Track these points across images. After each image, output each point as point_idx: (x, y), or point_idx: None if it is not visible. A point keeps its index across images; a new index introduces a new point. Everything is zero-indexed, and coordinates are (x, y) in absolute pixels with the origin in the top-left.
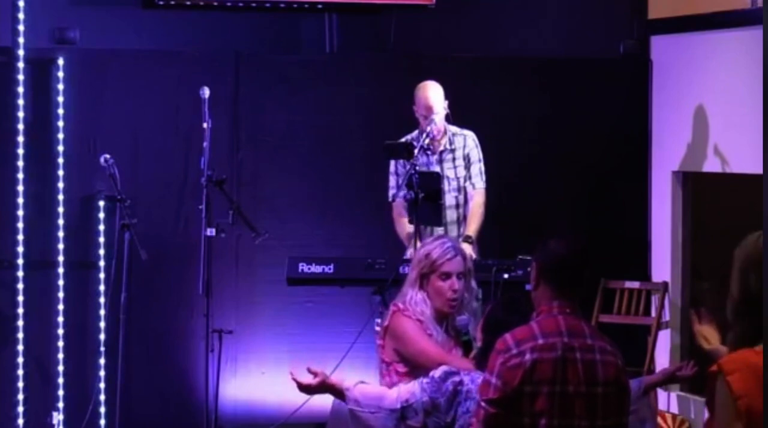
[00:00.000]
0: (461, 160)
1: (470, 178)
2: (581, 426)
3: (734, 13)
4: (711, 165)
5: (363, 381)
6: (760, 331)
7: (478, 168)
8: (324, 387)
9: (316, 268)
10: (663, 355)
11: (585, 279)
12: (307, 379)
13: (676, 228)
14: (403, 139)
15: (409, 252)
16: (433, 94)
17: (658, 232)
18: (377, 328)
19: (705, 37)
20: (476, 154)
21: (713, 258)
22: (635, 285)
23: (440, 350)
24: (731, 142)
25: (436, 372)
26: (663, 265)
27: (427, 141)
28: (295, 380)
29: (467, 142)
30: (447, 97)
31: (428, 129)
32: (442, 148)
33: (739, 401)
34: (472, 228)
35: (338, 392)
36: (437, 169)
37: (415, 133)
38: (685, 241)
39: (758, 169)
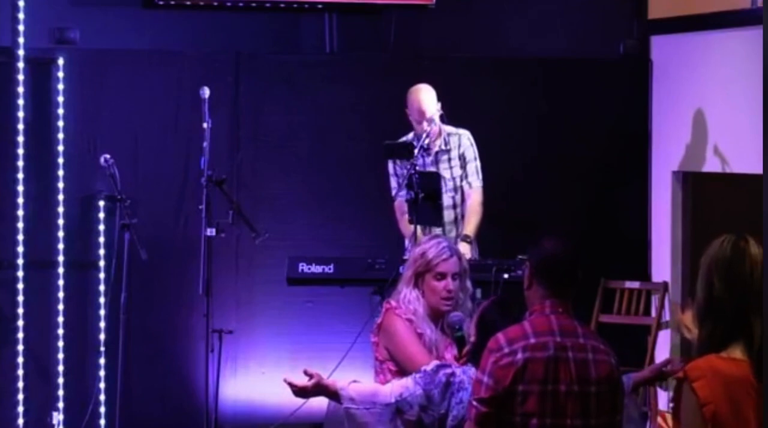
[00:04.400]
0: (457, 159)
1: (466, 176)
2: (574, 425)
3: (734, 13)
4: (711, 165)
5: (356, 380)
6: (724, 336)
7: (474, 166)
8: (319, 389)
9: (316, 268)
10: (663, 355)
11: (578, 279)
12: (302, 382)
13: (676, 228)
14: (399, 142)
15: (408, 252)
16: (425, 98)
17: (658, 232)
18: None
19: (705, 37)
20: (471, 152)
21: None
22: (635, 285)
23: (428, 357)
24: (731, 142)
25: (428, 366)
26: (663, 265)
27: (427, 141)
28: (289, 384)
29: (462, 140)
30: (447, 97)
31: (428, 129)
32: (437, 148)
33: (705, 408)
34: (471, 227)
35: (333, 393)
36: (432, 169)
37: (411, 134)
38: (685, 241)
39: (758, 169)
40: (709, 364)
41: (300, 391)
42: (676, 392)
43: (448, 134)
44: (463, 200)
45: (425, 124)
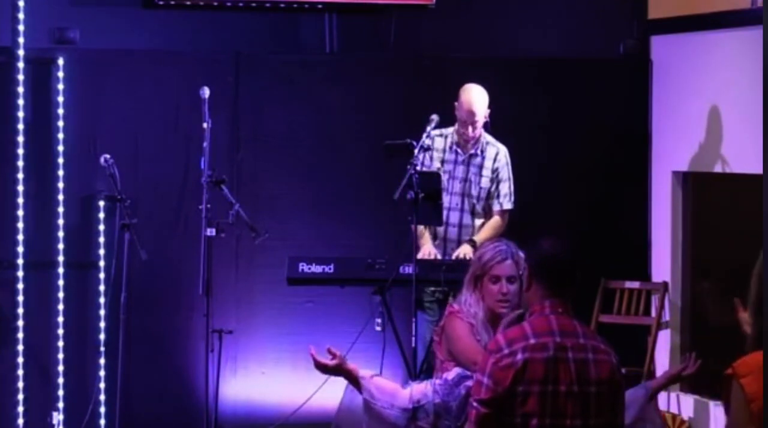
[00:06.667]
0: (489, 171)
1: (498, 196)
2: (574, 426)
3: (734, 13)
4: (711, 165)
5: (378, 374)
6: None
7: (508, 187)
8: (339, 370)
9: (316, 268)
10: (663, 355)
11: (577, 279)
12: (325, 359)
13: (676, 228)
14: (439, 132)
15: (420, 252)
16: (478, 100)
17: (658, 232)
18: (377, 328)
19: (705, 37)
20: (506, 172)
21: (713, 258)
22: (635, 285)
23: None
24: (731, 142)
25: (450, 374)
26: (663, 265)
27: (427, 142)
28: (313, 357)
29: (499, 156)
30: (447, 97)
31: (473, 134)
32: (472, 151)
33: (752, 404)
34: (482, 237)
35: (353, 379)
36: (463, 169)
37: (451, 128)
38: (685, 241)
39: (758, 169)
40: (756, 360)
41: (320, 366)
42: (725, 388)
43: (487, 142)
44: (484, 212)
45: (470, 127)
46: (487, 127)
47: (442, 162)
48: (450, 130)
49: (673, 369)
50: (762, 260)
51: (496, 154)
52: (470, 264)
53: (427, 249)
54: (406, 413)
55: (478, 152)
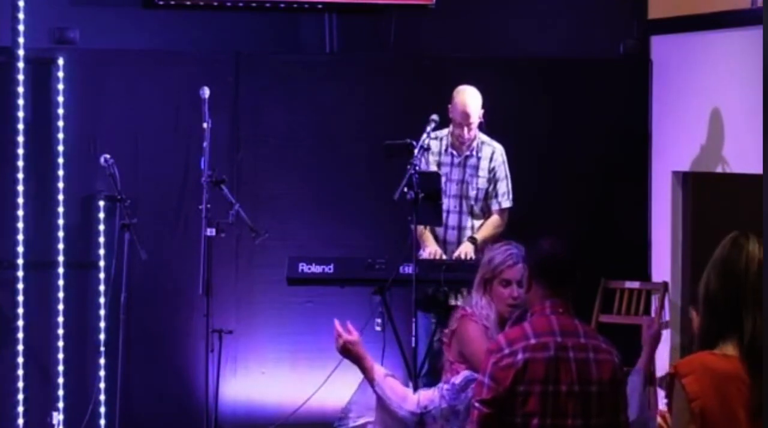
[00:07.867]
0: (485, 171)
1: (496, 195)
2: (575, 425)
3: (734, 13)
4: (711, 165)
5: (392, 375)
6: (718, 332)
7: (505, 185)
8: (354, 354)
9: (316, 268)
10: (663, 355)
11: (577, 279)
12: (344, 332)
13: (676, 228)
14: (434, 135)
15: (422, 252)
16: (472, 102)
17: (658, 232)
18: (377, 328)
19: (705, 37)
20: (503, 170)
21: None
22: (635, 285)
23: None
24: (731, 142)
25: (457, 379)
26: (663, 265)
27: (427, 142)
28: (336, 330)
29: (495, 155)
30: (447, 97)
31: (468, 135)
32: (467, 152)
33: (693, 403)
34: (482, 234)
35: (364, 369)
36: (459, 171)
37: (446, 131)
38: (685, 241)
39: (758, 169)
40: (699, 360)
41: (338, 338)
42: (668, 388)
43: (482, 142)
44: (482, 213)
45: (465, 129)
46: (481, 126)
47: (438, 165)
48: (445, 132)
49: (645, 338)
50: (716, 260)
51: (492, 153)
52: (471, 264)
53: (433, 249)
54: (414, 416)
55: (473, 153)
